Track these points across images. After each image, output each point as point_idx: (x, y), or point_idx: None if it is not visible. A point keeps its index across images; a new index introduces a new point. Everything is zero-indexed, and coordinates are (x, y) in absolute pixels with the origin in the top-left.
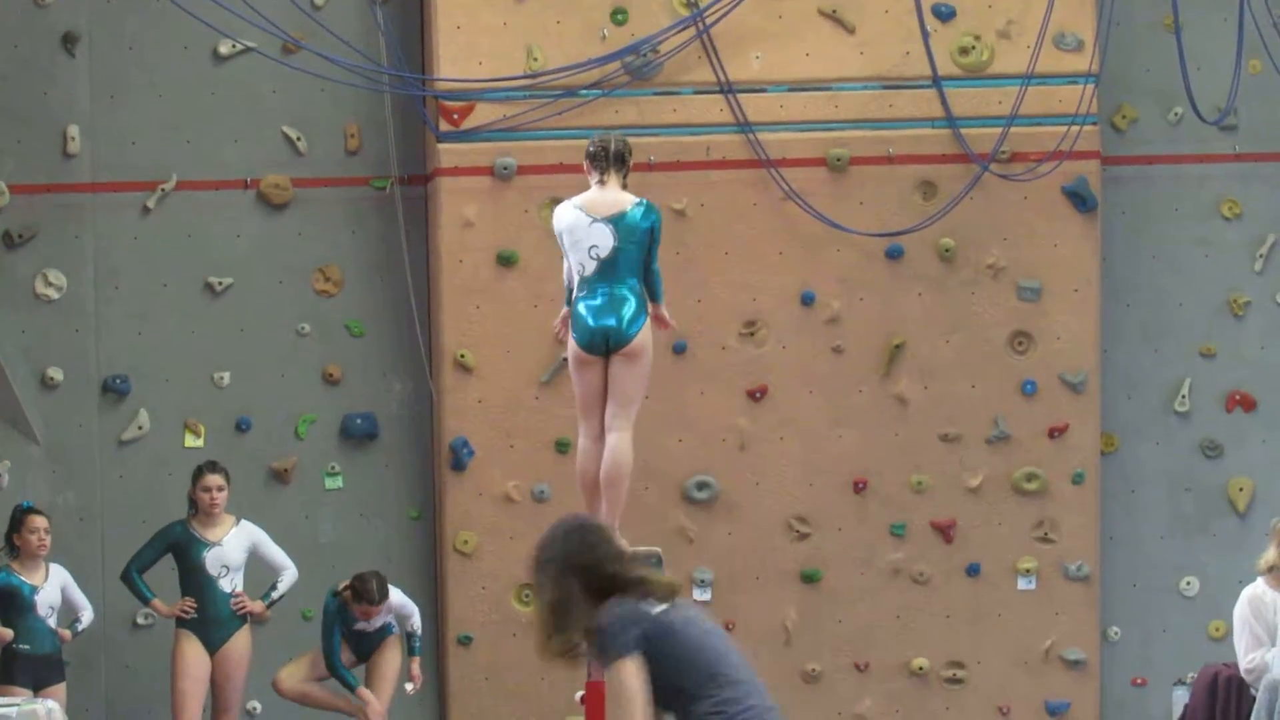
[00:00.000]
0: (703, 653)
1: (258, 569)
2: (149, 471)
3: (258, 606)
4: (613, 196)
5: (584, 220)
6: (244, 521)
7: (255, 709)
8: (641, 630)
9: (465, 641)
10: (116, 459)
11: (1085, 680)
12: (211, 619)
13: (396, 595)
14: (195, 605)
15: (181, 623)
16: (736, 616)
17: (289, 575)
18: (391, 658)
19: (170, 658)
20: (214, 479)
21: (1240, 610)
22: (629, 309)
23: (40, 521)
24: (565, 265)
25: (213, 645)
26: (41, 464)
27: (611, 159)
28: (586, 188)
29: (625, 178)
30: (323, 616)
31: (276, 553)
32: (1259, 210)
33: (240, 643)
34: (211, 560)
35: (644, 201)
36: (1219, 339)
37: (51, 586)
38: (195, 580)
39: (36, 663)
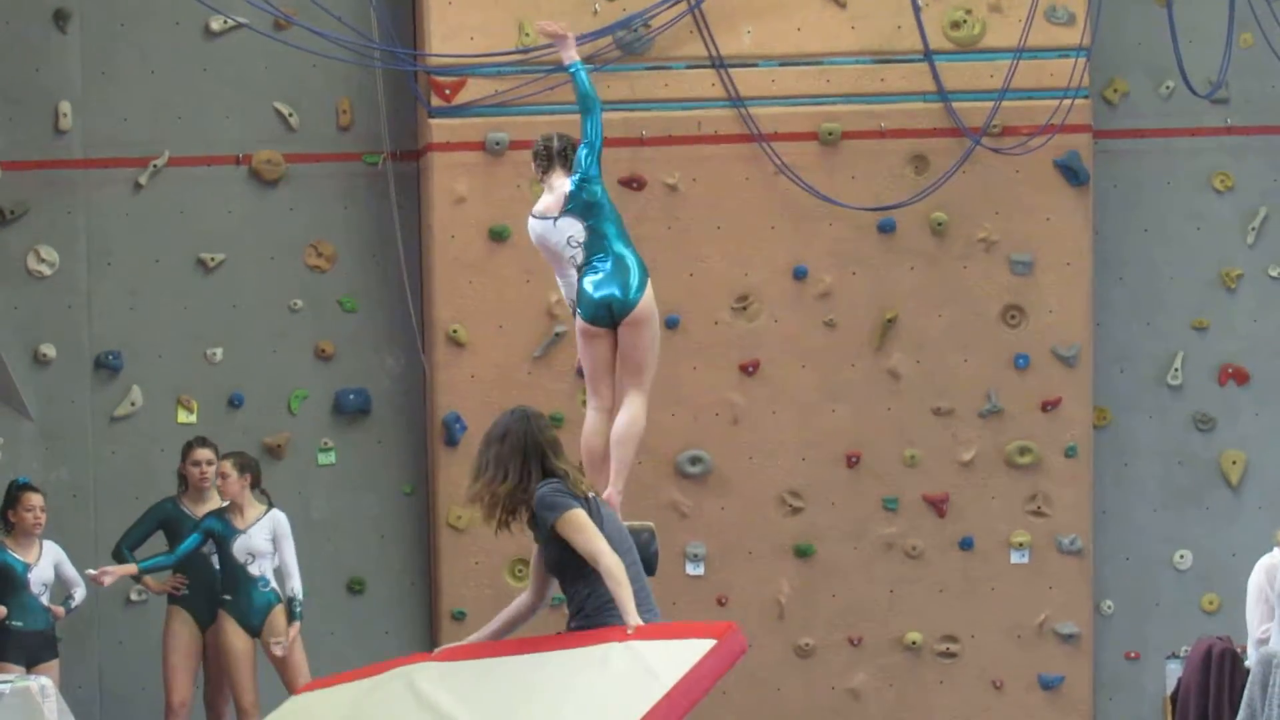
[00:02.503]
0: (616, 533)
1: None
2: (141, 448)
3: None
4: (560, 190)
5: (548, 225)
6: None
7: None
8: (580, 501)
9: (459, 617)
10: (109, 435)
11: (1078, 654)
12: (203, 595)
13: (282, 518)
14: (186, 581)
15: (173, 599)
16: (730, 591)
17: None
18: (281, 628)
19: (161, 634)
20: (204, 453)
21: (1255, 579)
22: (632, 277)
23: (36, 499)
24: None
25: (204, 621)
26: (34, 440)
27: (554, 157)
28: None
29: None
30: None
31: None
32: (1251, 183)
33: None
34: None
35: (572, 179)
36: (1211, 312)
37: (45, 564)
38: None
39: (30, 640)
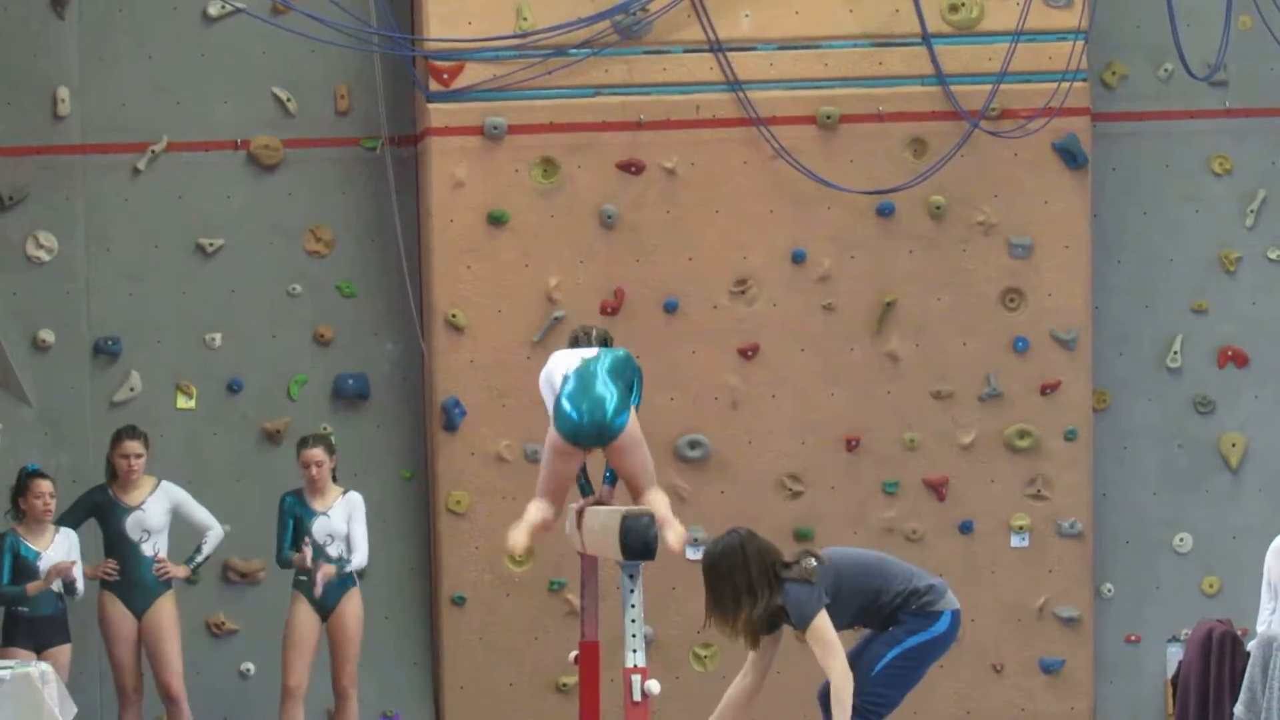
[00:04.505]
0: (864, 562)
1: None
2: None
3: (181, 571)
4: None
5: (573, 352)
6: (165, 483)
7: (248, 670)
8: (819, 593)
9: (459, 602)
10: (108, 420)
11: (1079, 637)
12: (135, 583)
13: (358, 499)
14: (117, 566)
15: (105, 585)
16: None
17: (214, 535)
18: (353, 612)
19: (99, 622)
20: (132, 445)
21: (1275, 558)
22: (612, 401)
23: (45, 485)
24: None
25: (137, 609)
26: (34, 426)
27: (594, 340)
28: (573, 144)
29: None
30: (277, 516)
31: (201, 513)
32: (1249, 166)
33: (165, 608)
34: (132, 525)
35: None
36: (1210, 295)
37: (58, 550)
38: (117, 545)
39: (38, 625)
